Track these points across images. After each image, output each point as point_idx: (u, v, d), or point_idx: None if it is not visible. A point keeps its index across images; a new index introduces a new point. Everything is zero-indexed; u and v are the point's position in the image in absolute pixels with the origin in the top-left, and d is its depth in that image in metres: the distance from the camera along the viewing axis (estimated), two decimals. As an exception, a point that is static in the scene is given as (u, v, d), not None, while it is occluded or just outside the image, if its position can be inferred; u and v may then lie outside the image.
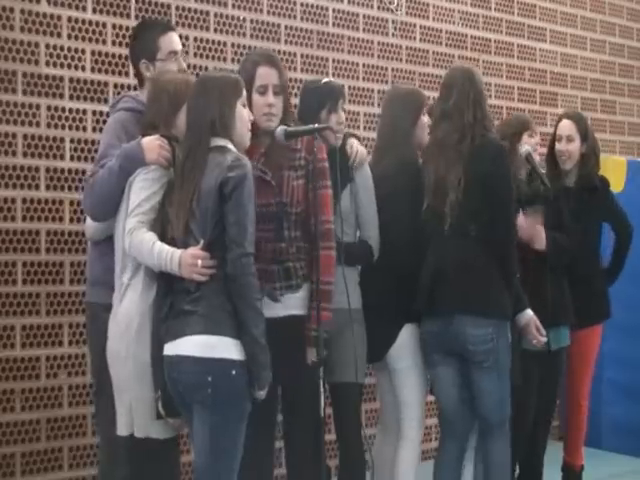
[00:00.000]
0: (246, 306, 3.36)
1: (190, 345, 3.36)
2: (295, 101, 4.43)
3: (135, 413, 3.53)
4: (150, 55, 3.91)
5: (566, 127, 5.06)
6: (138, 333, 3.49)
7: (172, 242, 3.46)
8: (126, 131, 3.73)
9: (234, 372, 3.34)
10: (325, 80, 4.37)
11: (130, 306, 3.53)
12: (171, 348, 3.41)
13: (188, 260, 3.37)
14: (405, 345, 4.26)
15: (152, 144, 3.53)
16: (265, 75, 3.86)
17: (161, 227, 3.51)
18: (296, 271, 3.81)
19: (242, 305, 3.36)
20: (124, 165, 3.54)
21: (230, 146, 3.47)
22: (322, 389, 3.71)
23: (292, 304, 3.81)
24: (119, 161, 3.56)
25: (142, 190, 3.50)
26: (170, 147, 3.56)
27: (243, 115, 3.54)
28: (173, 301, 3.47)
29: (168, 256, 3.40)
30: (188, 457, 4.72)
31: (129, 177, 3.55)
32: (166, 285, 3.49)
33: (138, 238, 3.43)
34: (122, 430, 3.58)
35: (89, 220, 3.88)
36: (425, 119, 4.42)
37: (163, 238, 3.48)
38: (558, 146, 5.03)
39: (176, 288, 3.46)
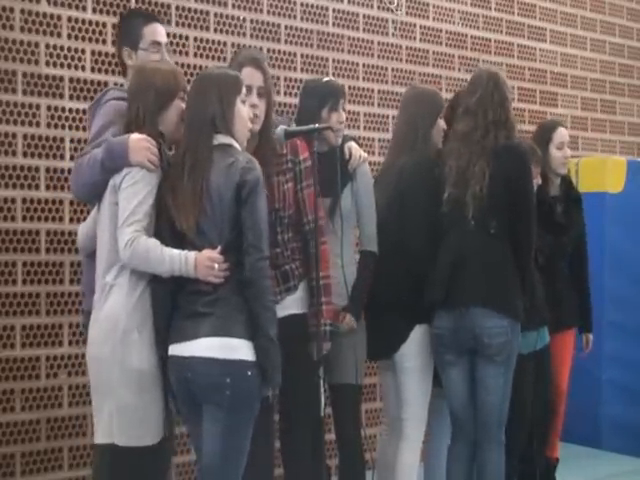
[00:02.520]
0: (263, 308, 3.35)
1: (207, 346, 3.33)
2: (294, 101, 4.43)
3: (118, 420, 3.37)
4: (133, 43, 3.82)
5: (566, 134, 5.17)
6: (124, 336, 3.35)
7: (175, 239, 3.40)
8: (121, 115, 3.58)
9: (250, 373, 3.34)
10: (326, 79, 4.37)
11: (115, 307, 3.39)
12: (183, 349, 3.37)
13: (205, 262, 3.32)
14: (416, 344, 4.27)
15: (139, 144, 3.37)
16: (249, 76, 3.82)
17: (159, 223, 3.43)
18: (293, 272, 3.84)
19: (259, 307, 3.34)
20: (107, 162, 3.42)
21: (236, 145, 3.45)
22: (322, 389, 3.72)
23: (289, 304, 3.81)
24: (103, 156, 3.43)
25: (132, 197, 3.36)
26: (157, 146, 3.43)
27: (242, 112, 3.50)
28: (182, 302, 3.43)
29: (182, 259, 3.33)
30: (188, 457, 4.72)
31: (112, 173, 3.42)
32: (164, 286, 3.43)
33: (142, 247, 3.32)
34: (100, 438, 3.42)
35: (80, 232, 3.82)
36: (441, 122, 4.44)
37: (157, 234, 3.41)
38: (561, 153, 5.10)
39: (188, 289, 3.42)
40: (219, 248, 3.35)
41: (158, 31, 3.89)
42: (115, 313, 3.39)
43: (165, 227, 3.43)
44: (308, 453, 3.90)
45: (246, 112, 3.54)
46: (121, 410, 3.37)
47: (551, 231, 4.89)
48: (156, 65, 3.61)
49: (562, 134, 5.15)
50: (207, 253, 3.34)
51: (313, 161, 3.76)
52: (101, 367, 3.41)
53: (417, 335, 4.27)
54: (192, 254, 3.34)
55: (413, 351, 4.27)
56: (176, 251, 3.35)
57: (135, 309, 3.39)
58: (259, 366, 3.35)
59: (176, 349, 3.39)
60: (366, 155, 4.30)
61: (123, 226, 3.34)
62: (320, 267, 3.78)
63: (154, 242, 3.35)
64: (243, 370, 3.33)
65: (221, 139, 3.43)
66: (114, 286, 3.42)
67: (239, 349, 3.33)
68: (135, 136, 3.40)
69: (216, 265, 3.33)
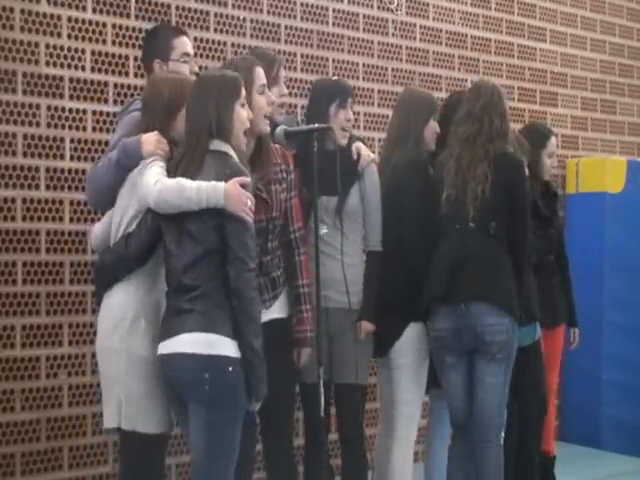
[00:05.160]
0: (248, 319, 3.34)
1: (187, 342, 3.33)
2: (296, 101, 4.43)
3: (125, 406, 3.47)
4: (164, 55, 4.04)
5: (556, 144, 5.39)
6: (132, 325, 3.46)
7: (158, 236, 3.46)
8: (137, 126, 3.72)
9: (230, 369, 3.32)
10: (335, 78, 4.41)
11: (125, 298, 3.50)
12: (166, 346, 3.38)
13: (237, 191, 3.30)
14: (410, 342, 4.29)
15: (150, 139, 3.53)
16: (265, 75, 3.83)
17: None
18: (279, 279, 3.87)
19: (244, 318, 3.34)
20: (122, 159, 3.56)
21: (231, 152, 3.43)
22: (322, 389, 3.72)
23: (272, 309, 3.81)
24: (118, 154, 3.59)
25: (153, 169, 3.45)
26: (168, 146, 3.55)
27: (241, 116, 3.49)
28: (168, 299, 3.44)
29: (209, 188, 3.31)
30: (188, 457, 4.72)
31: (127, 172, 3.55)
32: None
33: (168, 183, 3.35)
34: (109, 422, 3.54)
35: (94, 232, 3.83)
36: (434, 125, 4.46)
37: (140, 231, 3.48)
38: (550, 161, 5.30)
39: (173, 286, 3.42)
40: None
41: (187, 43, 4.13)
42: (124, 305, 3.49)
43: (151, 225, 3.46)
44: (286, 459, 3.92)
45: (245, 116, 3.51)
46: (129, 398, 3.46)
47: (540, 225, 5.01)
48: (166, 76, 3.76)
49: (554, 144, 5.34)
50: (239, 180, 3.33)
51: (313, 164, 3.76)
52: (110, 355, 3.50)
53: (412, 333, 4.30)
54: (220, 183, 3.32)
55: (407, 348, 4.29)
56: (203, 182, 3.33)
57: (144, 302, 3.49)
58: (243, 364, 3.34)
59: (161, 347, 3.41)
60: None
61: (150, 176, 3.40)
62: (303, 275, 3.89)
63: (178, 178, 3.39)
64: (223, 366, 3.31)
65: (217, 145, 3.43)
66: (124, 280, 3.51)
67: (220, 345, 3.31)
68: (147, 134, 3.55)
69: (249, 202, 3.33)
